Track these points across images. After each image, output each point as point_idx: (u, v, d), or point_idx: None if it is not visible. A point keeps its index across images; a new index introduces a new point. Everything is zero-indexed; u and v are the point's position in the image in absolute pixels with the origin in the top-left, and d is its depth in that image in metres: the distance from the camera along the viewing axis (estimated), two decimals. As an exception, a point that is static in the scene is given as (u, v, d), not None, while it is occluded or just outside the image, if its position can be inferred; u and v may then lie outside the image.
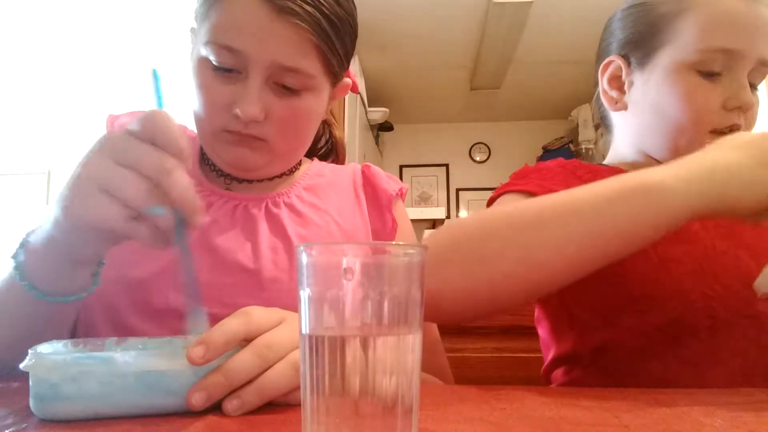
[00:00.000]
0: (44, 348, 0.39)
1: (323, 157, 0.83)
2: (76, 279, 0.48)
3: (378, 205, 0.72)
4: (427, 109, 4.13)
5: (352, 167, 0.77)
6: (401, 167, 4.41)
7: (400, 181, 0.76)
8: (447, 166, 4.39)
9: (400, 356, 0.28)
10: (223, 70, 0.58)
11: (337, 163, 0.83)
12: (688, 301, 0.57)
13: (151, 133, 0.40)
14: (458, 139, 4.38)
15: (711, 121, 0.64)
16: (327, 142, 0.83)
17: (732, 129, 0.64)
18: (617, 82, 0.73)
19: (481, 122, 4.34)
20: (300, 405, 0.38)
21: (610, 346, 0.62)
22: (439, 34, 2.91)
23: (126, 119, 0.72)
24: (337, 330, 0.28)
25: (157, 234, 0.42)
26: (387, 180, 0.75)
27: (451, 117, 4.27)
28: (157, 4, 2.49)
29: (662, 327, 0.58)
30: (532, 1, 2.51)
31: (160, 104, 0.43)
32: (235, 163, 0.64)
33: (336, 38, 0.60)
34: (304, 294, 0.29)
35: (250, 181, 0.69)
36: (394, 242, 0.27)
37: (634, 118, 0.72)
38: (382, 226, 0.71)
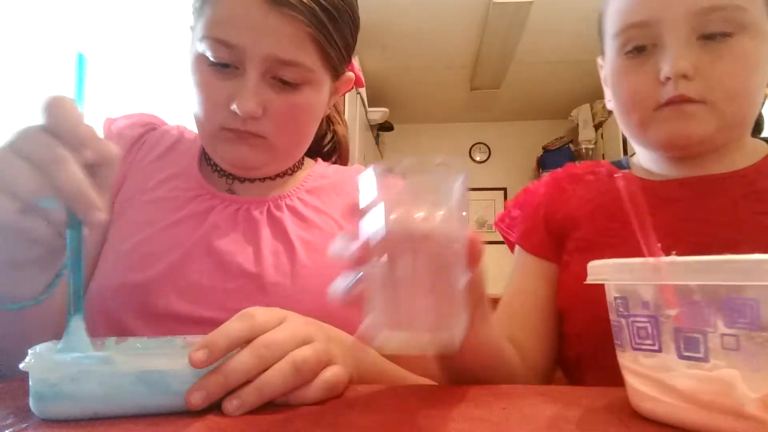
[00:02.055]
0: (44, 348, 0.39)
1: (327, 156, 0.82)
2: (21, 284, 0.46)
3: None
4: (427, 109, 4.13)
5: (356, 169, 0.76)
6: (401, 167, 4.41)
7: None
8: (447, 166, 4.39)
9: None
10: (220, 66, 0.57)
11: (340, 162, 0.82)
12: (592, 315, 0.56)
13: (49, 121, 0.38)
14: (458, 139, 4.38)
15: (650, 99, 0.59)
16: (331, 139, 0.82)
17: (671, 102, 0.57)
18: (607, 81, 0.72)
19: (481, 122, 4.34)
20: (300, 405, 0.39)
21: (563, 351, 0.65)
22: (439, 34, 2.91)
23: (123, 122, 0.72)
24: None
25: (48, 228, 0.39)
26: None
27: (451, 117, 4.27)
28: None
29: (581, 335, 0.60)
30: (532, 1, 2.51)
31: (80, 90, 0.40)
32: (235, 162, 0.63)
33: (334, 30, 0.58)
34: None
35: (252, 181, 0.69)
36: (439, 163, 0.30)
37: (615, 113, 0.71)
38: None
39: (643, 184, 0.64)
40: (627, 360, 0.35)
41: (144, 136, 0.71)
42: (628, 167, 0.72)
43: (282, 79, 0.58)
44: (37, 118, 0.38)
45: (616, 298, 0.36)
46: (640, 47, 0.60)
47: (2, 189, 0.37)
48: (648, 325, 0.33)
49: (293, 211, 0.66)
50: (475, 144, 4.40)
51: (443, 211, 0.33)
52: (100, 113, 0.72)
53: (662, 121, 0.59)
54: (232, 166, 0.65)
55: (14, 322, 0.48)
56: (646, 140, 0.63)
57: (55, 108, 0.38)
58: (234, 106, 0.56)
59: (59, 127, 0.38)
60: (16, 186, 0.37)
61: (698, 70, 0.56)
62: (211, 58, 0.57)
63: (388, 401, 0.41)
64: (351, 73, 0.69)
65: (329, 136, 0.82)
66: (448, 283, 0.34)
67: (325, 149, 0.82)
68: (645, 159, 0.70)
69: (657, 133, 0.60)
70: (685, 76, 0.56)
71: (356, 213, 0.35)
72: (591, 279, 0.39)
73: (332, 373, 0.41)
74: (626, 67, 0.61)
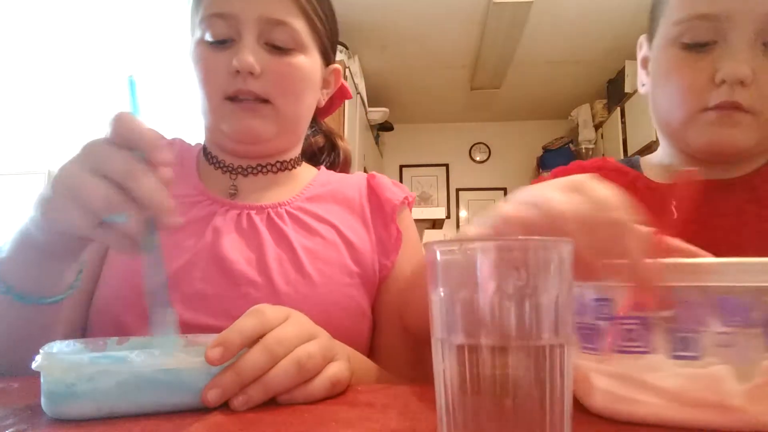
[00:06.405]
0: (55, 348, 0.39)
1: (330, 166, 0.81)
2: (55, 278, 0.48)
3: (382, 215, 0.70)
4: (427, 109, 4.13)
5: (358, 177, 0.75)
6: (401, 167, 4.41)
7: (406, 189, 0.74)
8: (447, 166, 4.40)
9: (542, 369, 0.24)
10: (218, 43, 0.62)
11: (343, 170, 0.82)
12: None
13: (119, 135, 0.40)
14: (458, 139, 4.39)
15: (700, 99, 0.56)
16: (330, 153, 0.82)
17: (720, 107, 0.55)
18: (646, 63, 0.69)
19: (481, 122, 4.35)
20: (304, 401, 0.39)
21: None
22: (439, 34, 2.92)
23: None
24: (473, 339, 0.25)
25: (125, 239, 0.41)
26: (392, 189, 0.72)
27: (451, 117, 4.27)
28: (147, 9, 2.49)
29: None
30: (532, 1, 2.52)
31: (135, 111, 0.43)
32: (242, 133, 0.64)
33: (317, 2, 0.66)
34: (436, 296, 0.26)
35: (255, 174, 0.69)
36: (537, 237, 0.26)
37: (650, 100, 0.68)
38: (387, 236, 0.69)
39: (649, 185, 0.64)
40: (603, 363, 0.34)
41: None
42: (639, 167, 0.70)
43: (274, 45, 0.63)
44: (104, 133, 0.40)
45: (596, 300, 0.35)
46: (700, 43, 0.56)
47: (80, 205, 0.39)
48: (637, 326, 0.32)
49: (295, 219, 0.66)
50: (475, 144, 4.40)
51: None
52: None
53: (706, 125, 0.57)
54: (239, 140, 0.65)
55: (29, 321, 0.49)
56: (685, 139, 0.61)
57: (121, 121, 0.40)
58: (234, 63, 0.60)
59: (131, 140, 0.40)
60: (93, 202, 0.39)
61: (755, 79, 0.54)
62: (210, 38, 0.62)
63: (390, 401, 0.41)
64: (338, 65, 0.73)
65: (327, 151, 0.82)
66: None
67: (325, 162, 0.81)
68: (664, 154, 0.68)
69: (698, 135, 0.58)
70: (742, 83, 0.53)
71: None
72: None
73: (336, 369, 0.42)
74: (681, 59, 0.57)
